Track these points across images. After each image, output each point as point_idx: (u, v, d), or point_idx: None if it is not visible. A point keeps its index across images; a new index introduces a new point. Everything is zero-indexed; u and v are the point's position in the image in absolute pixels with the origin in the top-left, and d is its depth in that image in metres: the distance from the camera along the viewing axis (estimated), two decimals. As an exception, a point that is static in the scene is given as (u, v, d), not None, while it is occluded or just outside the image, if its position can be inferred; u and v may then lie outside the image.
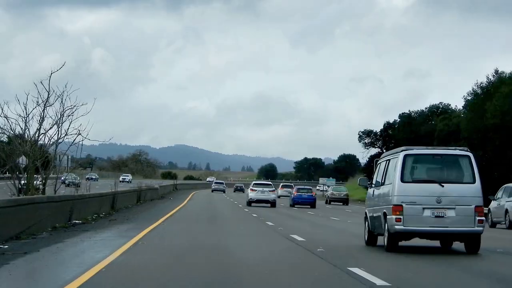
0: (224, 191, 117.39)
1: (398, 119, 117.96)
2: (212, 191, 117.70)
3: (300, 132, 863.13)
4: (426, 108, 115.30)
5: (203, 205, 56.32)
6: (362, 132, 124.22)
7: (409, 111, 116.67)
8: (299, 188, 69.19)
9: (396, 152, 20.04)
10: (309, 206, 64.99)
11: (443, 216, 19.02)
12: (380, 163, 21.62)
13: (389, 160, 20.53)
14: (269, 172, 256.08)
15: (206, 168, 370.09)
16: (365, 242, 21.89)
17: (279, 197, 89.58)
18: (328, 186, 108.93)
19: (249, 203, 60.36)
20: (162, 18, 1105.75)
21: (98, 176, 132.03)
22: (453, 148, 20.10)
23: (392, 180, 19.51)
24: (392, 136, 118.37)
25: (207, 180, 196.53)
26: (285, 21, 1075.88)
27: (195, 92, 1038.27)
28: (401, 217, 19.04)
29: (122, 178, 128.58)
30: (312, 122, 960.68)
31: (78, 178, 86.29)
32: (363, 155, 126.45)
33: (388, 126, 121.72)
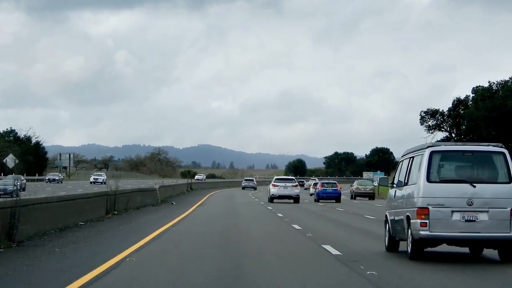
0: (255, 188, 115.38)
1: (472, 94, 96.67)
2: (243, 188, 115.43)
3: (325, 129, 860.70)
4: (511, 77, 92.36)
5: (216, 216, 36.53)
6: (425, 113, 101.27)
7: (488, 82, 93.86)
8: (323, 183, 69.67)
9: (421, 149, 17.84)
10: (334, 201, 65.10)
11: (474, 220, 16.84)
12: (402, 161, 19.46)
13: (412, 157, 18.36)
14: (297, 168, 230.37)
15: (230, 167, 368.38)
16: (386, 248, 19.79)
17: (310, 195, 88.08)
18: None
19: (271, 199, 59.04)
20: (185, 18, 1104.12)
21: (62, 177, 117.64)
22: (486, 144, 17.83)
23: (417, 180, 17.34)
24: (464, 115, 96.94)
25: (195, 178, 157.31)
26: (309, 18, 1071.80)
27: (219, 91, 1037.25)
28: (427, 221, 16.89)
29: (94, 179, 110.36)
30: (337, 119, 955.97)
31: (15, 184, 54.63)
32: (426, 141, 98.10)
33: (458, 103, 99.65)
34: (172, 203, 51.02)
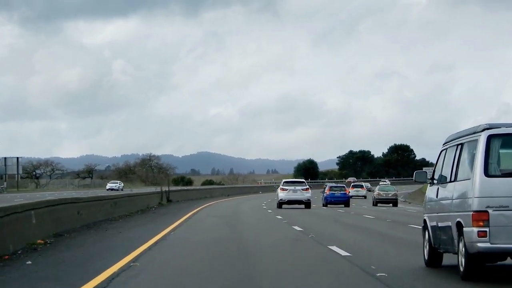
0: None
1: None
2: None
3: (326, 134, 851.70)
4: None
5: None
6: None
7: None
8: (331, 187, 66.76)
9: (474, 133, 13.43)
10: (342, 205, 62.23)
11: (549, 226, 12.55)
12: (445, 149, 15.13)
13: (461, 144, 14.03)
14: (308, 170, 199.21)
15: (229, 173, 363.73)
16: (425, 262, 15.58)
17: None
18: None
19: (280, 204, 55.05)
20: (182, 25, 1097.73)
21: None
22: (561, 123, 13.44)
23: (470, 174, 13.04)
24: None
25: (107, 187, 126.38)
26: (307, 21, 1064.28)
27: (218, 98, 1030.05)
28: (487, 229, 12.61)
29: None
30: (338, 122, 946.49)
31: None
32: None
33: None
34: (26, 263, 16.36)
